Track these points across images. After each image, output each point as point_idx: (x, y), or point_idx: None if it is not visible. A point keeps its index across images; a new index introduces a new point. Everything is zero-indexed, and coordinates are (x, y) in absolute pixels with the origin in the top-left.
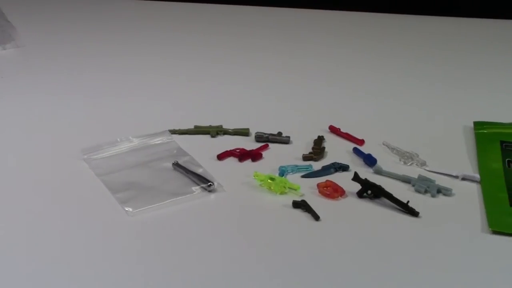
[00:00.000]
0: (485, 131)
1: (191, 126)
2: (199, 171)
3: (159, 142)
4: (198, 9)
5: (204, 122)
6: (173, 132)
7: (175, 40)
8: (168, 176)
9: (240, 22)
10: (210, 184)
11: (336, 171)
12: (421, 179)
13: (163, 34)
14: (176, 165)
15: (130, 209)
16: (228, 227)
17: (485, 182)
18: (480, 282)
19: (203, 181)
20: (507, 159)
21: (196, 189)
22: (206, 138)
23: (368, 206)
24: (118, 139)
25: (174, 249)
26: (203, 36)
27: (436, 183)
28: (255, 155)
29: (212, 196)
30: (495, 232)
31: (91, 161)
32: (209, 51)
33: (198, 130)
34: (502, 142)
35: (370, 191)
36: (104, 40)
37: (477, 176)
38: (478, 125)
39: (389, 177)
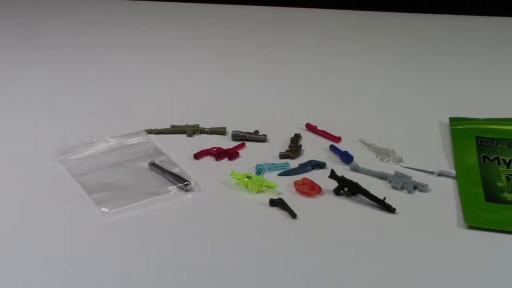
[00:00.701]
0: (460, 127)
1: (167, 125)
2: (176, 170)
3: (135, 142)
4: (175, 9)
5: (181, 122)
6: (150, 132)
7: (150, 40)
8: (144, 176)
9: (214, 21)
10: (187, 184)
11: (313, 168)
12: (398, 175)
13: (139, 35)
14: (153, 165)
15: (107, 210)
16: (205, 226)
17: (461, 177)
18: (457, 277)
19: (179, 180)
20: (482, 155)
21: (173, 188)
22: (182, 137)
23: (345, 203)
24: (94, 140)
25: (151, 249)
26: (179, 36)
27: (413, 179)
28: (232, 154)
29: (189, 195)
30: (471, 227)
31: (67, 162)
32: (184, 51)
33: (175, 130)
34: (477, 138)
35: (347, 188)
36: (80, 41)
37: (453, 172)
38: (453, 121)
39: (365, 174)
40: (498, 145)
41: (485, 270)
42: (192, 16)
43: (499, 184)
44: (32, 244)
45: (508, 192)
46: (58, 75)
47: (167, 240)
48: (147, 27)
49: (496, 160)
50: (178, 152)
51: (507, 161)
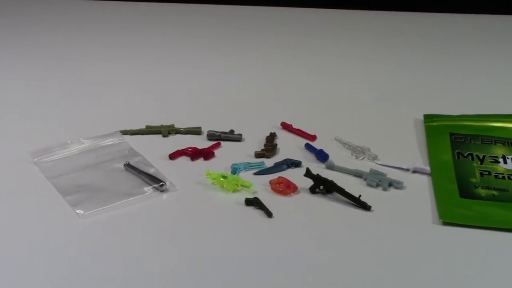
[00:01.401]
0: (434, 124)
1: (142, 126)
2: (151, 171)
3: (110, 143)
4: (147, 8)
5: (156, 122)
6: (125, 132)
7: (123, 40)
8: (119, 177)
9: (188, 20)
10: (162, 184)
11: (288, 167)
12: (373, 173)
13: (111, 35)
14: (128, 166)
15: (81, 212)
16: (181, 227)
17: (435, 174)
18: (432, 273)
19: (155, 181)
20: (456, 151)
21: (148, 189)
22: (158, 138)
23: (320, 202)
24: (69, 141)
25: (126, 250)
26: (152, 36)
27: (388, 176)
28: (207, 154)
29: (164, 196)
30: (446, 223)
31: (41, 164)
32: (158, 50)
33: (150, 130)
34: (451, 134)
35: (322, 187)
36: (53, 41)
37: (428, 168)
38: (428, 118)
39: (341, 172)
40: (472, 142)
41: (460, 265)
42: (165, 15)
43: (473, 180)
44: (6, 247)
45: (482, 188)
46: (30, 76)
47: (143, 241)
48: (120, 26)
49: (470, 156)
50: (154, 152)
51: (480, 157)
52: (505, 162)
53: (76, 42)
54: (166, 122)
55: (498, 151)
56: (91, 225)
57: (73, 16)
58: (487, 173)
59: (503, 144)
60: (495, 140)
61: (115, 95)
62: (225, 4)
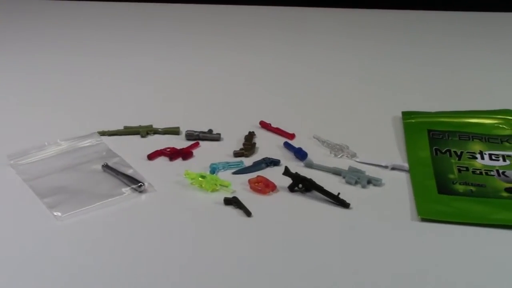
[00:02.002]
0: (413, 121)
1: (120, 126)
2: (129, 172)
3: (88, 144)
4: (119, 9)
5: (134, 122)
6: (102, 133)
7: (100, 41)
8: (97, 179)
9: (162, 21)
10: (141, 185)
11: (267, 166)
12: (352, 170)
13: (88, 34)
14: (106, 167)
15: (59, 214)
16: (160, 227)
17: (414, 170)
18: (411, 269)
19: (133, 182)
20: (434, 147)
21: (126, 190)
22: (136, 138)
23: (299, 200)
24: (46, 143)
25: (105, 251)
26: (128, 37)
27: (367, 174)
28: (185, 154)
29: (143, 196)
30: (424, 220)
31: (18, 167)
32: (135, 51)
33: (128, 131)
34: (429, 131)
35: (301, 185)
36: (26, 40)
37: (406, 165)
38: (406, 115)
39: (320, 170)
40: (450, 138)
41: (438, 261)
42: (141, 14)
43: (451, 176)
44: None
45: (460, 184)
46: (5, 78)
47: (122, 242)
48: (96, 26)
49: (448, 153)
50: (132, 153)
51: (458, 153)
52: (482, 158)
53: (52, 42)
54: (144, 122)
55: (476, 147)
56: (69, 227)
57: (49, 16)
58: (464, 169)
59: (481, 140)
60: (472, 136)
61: (93, 96)
62: (202, 4)
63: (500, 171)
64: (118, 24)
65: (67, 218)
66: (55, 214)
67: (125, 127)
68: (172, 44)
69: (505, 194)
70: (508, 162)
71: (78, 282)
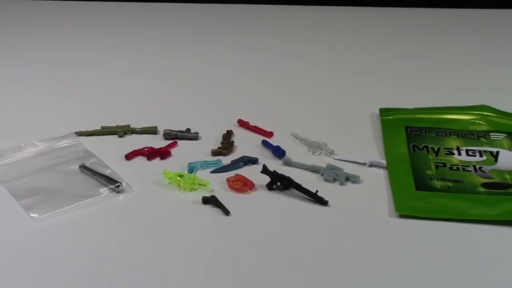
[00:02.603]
0: (390, 118)
1: (98, 127)
2: (107, 172)
3: (65, 145)
4: (98, 9)
5: (111, 122)
6: (80, 134)
7: (77, 40)
8: (75, 179)
9: (140, 19)
10: (118, 185)
11: (245, 164)
12: (330, 168)
13: (65, 35)
14: (83, 168)
15: (36, 215)
16: (138, 227)
17: (392, 167)
18: (390, 265)
19: (111, 182)
20: (412, 144)
21: (104, 190)
22: (113, 138)
23: (278, 198)
24: (22, 144)
25: (83, 252)
26: (105, 36)
27: (345, 171)
28: (163, 153)
29: (121, 196)
30: (402, 216)
31: None
32: (112, 50)
33: (105, 131)
34: (407, 127)
35: (280, 183)
36: (4, 42)
37: (384, 162)
38: (383, 111)
39: (298, 167)
40: (427, 134)
41: (417, 257)
42: (116, 15)
43: (429, 172)
44: None
45: (437, 180)
46: None
47: (100, 242)
48: (72, 26)
49: (425, 149)
50: (109, 153)
51: (435, 150)
52: (459, 154)
53: (28, 42)
54: (121, 122)
55: (453, 143)
56: (46, 229)
57: (24, 13)
58: (442, 165)
59: (457, 136)
60: (449, 132)
61: (69, 96)
62: (175, 3)
63: (477, 166)
64: (93, 22)
65: (44, 220)
66: (32, 215)
67: (103, 127)
68: (148, 43)
69: (481, 189)
70: (484, 157)
71: (56, 284)
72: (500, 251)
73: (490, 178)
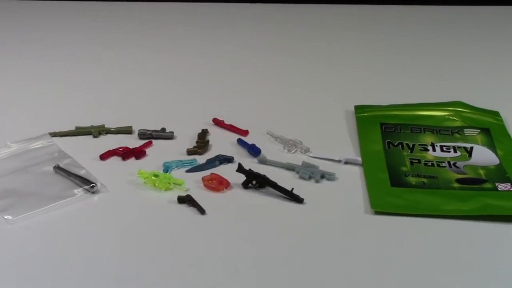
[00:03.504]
0: (365, 115)
1: (72, 127)
2: (82, 172)
3: (39, 146)
4: (72, 7)
5: (86, 123)
6: (54, 134)
7: (49, 40)
8: (49, 180)
9: (112, 18)
10: (93, 185)
11: (221, 163)
12: (305, 165)
13: (37, 34)
14: (58, 168)
15: (10, 217)
16: (113, 227)
17: (367, 164)
18: (365, 262)
19: (85, 182)
20: (387, 141)
21: (79, 191)
22: (88, 138)
23: (253, 196)
24: None
25: (58, 254)
26: (78, 35)
27: (320, 168)
28: (138, 153)
29: (96, 197)
30: (378, 213)
31: None
32: (85, 50)
33: (80, 131)
34: (382, 124)
35: (255, 181)
36: None
37: (359, 159)
38: (358, 109)
39: (273, 165)
40: (402, 131)
41: (392, 253)
42: (89, 15)
43: (404, 168)
44: None
45: (412, 176)
46: None
47: (75, 243)
48: (49, 25)
49: (400, 146)
50: (84, 154)
51: (410, 146)
52: (434, 150)
53: (3, 41)
54: (96, 122)
55: (427, 139)
56: (21, 231)
57: (6, 13)
58: (417, 161)
59: (432, 132)
60: (424, 129)
61: (43, 96)
62: (149, 2)
63: (451, 162)
64: (65, 21)
65: (18, 221)
66: (6, 217)
67: (77, 128)
68: (121, 43)
69: (456, 185)
70: (459, 153)
71: (31, 286)
72: (474, 246)
73: (465, 173)
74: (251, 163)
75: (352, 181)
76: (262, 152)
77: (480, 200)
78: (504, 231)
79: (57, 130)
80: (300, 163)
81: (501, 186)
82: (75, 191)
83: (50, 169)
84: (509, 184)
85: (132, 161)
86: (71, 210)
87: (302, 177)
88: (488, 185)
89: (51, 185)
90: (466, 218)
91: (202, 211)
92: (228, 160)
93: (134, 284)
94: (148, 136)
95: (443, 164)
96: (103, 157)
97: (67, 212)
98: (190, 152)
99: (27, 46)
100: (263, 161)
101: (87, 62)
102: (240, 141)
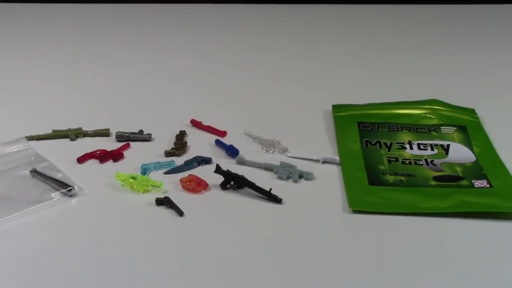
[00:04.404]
0: (343, 114)
1: (49, 130)
2: (59, 176)
3: (15, 149)
4: (40, 10)
5: (63, 126)
6: (30, 138)
7: (24, 43)
8: (26, 184)
9: (90, 20)
10: (70, 189)
11: (199, 164)
12: (283, 165)
13: (11, 37)
14: (34, 172)
15: None
16: (91, 231)
17: (345, 163)
18: (344, 261)
19: (62, 186)
20: (364, 139)
21: (56, 195)
22: (65, 142)
23: (231, 197)
24: None
25: (35, 258)
26: (53, 39)
27: (298, 168)
28: (116, 155)
29: (73, 200)
30: (356, 211)
31: None
32: (60, 53)
33: (57, 134)
34: (359, 123)
35: (233, 182)
36: None
37: (337, 158)
38: (336, 108)
39: (252, 166)
40: (379, 129)
41: (371, 252)
42: (61, 17)
43: (381, 167)
44: None
45: (390, 175)
46: None
47: (53, 247)
48: (17, 30)
49: (377, 144)
50: (61, 157)
51: (388, 144)
52: (411, 148)
53: None
54: (73, 125)
55: (405, 137)
56: None
57: None
58: (394, 159)
59: (409, 130)
60: (401, 127)
61: (19, 99)
62: (117, 3)
63: (429, 160)
64: (39, 25)
65: None
66: None
67: (54, 131)
68: (97, 46)
69: (433, 182)
70: (436, 151)
71: None
72: (452, 242)
73: (442, 171)
74: (229, 164)
75: (330, 181)
76: (240, 152)
77: (457, 197)
78: (481, 227)
79: (33, 133)
80: (278, 163)
81: (478, 183)
82: (52, 194)
83: (27, 173)
84: (485, 180)
85: (109, 163)
86: (48, 214)
87: (280, 177)
88: (464, 182)
89: (28, 189)
90: (444, 215)
91: (180, 212)
92: (206, 161)
93: (111, 286)
94: (126, 138)
95: (421, 162)
96: (81, 160)
97: (44, 216)
98: (168, 153)
99: (5, 48)
100: (241, 162)
101: (63, 65)
102: (218, 142)
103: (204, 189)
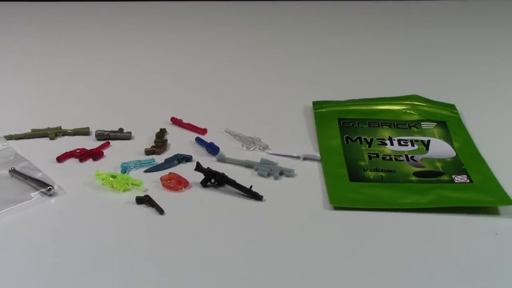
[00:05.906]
0: (323, 110)
1: (28, 129)
2: (38, 175)
3: None
4: (26, 9)
5: (42, 125)
6: (9, 137)
7: (5, 38)
8: (5, 184)
9: (74, 18)
10: (50, 188)
11: (179, 162)
12: (264, 162)
13: None
14: (13, 172)
15: None
16: (71, 230)
17: (325, 159)
18: (325, 256)
19: (42, 185)
20: (345, 136)
21: (35, 194)
22: (45, 141)
23: (212, 195)
24: None
25: (15, 258)
26: (33, 35)
27: (279, 165)
28: (96, 154)
29: (53, 200)
30: (337, 208)
31: None
32: (39, 52)
33: (36, 134)
34: (340, 120)
35: (214, 180)
36: None
37: (318, 154)
38: (316, 104)
39: (232, 163)
40: (360, 125)
41: (352, 248)
42: (40, 14)
43: (362, 163)
44: None
45: (370, 171)
46: None
47: (32, 247)
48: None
49: (358, 140)
50: (41, 156)
51: (368, 140)
52: (391, 144)
53: None
54: (52, 124)
55: (385, 133)
56: None
57: None
58: (375, 155)
59: (389, 126)
60: (381, 123)
61: None
62: (97, 1)
63: (409, 155)
64: (20, 22)
65: None
66: None
67: (33, 130)
68: (76, 43)
69: (413, 178)
70: (416, 146)
71: None
72: (432, 237)
73: (422, 166)
74: (209, 162)
75: (311, 177)
76: (221, 150)
77: (437, 193)
78: (461, 222)
79: (12, 133)
80: (259, 160)
81: (458, 178)
82: (32, 194)
83: (5, 173)
84: (465, 176)
85: (89, 162)
86: (28, 213)
87: (261, 174)
88: (445, 178)
89: (7, 189)
90: (424, 210)
91: (161, 211)
92: (187, 159)
93: (92, 285)
94: (106, 137)
95: (401, 158)
96: (60, 159)
97: (24, 216)
98: (148, 152)
99: None
100: (222, 159)
101: (42, 63)
102: (198, 140)
103: (185, 187)
